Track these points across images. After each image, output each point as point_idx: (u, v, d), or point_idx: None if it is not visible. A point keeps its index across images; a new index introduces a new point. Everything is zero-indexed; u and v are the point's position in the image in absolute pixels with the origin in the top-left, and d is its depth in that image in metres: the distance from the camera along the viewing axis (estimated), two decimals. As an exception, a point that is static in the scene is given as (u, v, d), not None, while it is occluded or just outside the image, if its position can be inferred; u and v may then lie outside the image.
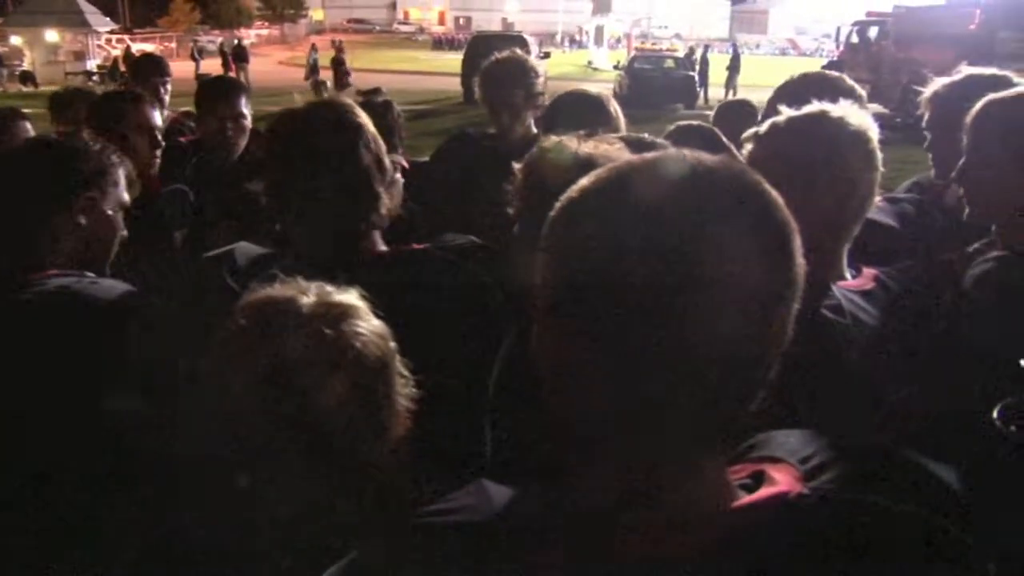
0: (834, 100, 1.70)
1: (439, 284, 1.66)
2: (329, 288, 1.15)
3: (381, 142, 1.77)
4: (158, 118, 3.05)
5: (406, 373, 1.15)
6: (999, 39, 19.35)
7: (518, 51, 3.41)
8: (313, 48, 31.33)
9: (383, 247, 1.79)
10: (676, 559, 0.77)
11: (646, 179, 0.79)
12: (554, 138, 1.70)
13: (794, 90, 2.22)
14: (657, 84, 24.14)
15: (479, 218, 2.24)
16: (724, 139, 2.89)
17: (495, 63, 3.33)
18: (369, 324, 1.13)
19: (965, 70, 2.50)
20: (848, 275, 1.69)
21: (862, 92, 2.41)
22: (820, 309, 1.54)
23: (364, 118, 1.74)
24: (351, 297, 1.15)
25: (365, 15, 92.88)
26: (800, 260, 0.80)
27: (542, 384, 0.84)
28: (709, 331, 0.74)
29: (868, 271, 1.72)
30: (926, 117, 2.52)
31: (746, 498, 0.82)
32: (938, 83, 2.49)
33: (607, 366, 0.77)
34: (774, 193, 0.81)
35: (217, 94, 3.39)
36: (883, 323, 1.60)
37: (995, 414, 1.30)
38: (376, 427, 1.10)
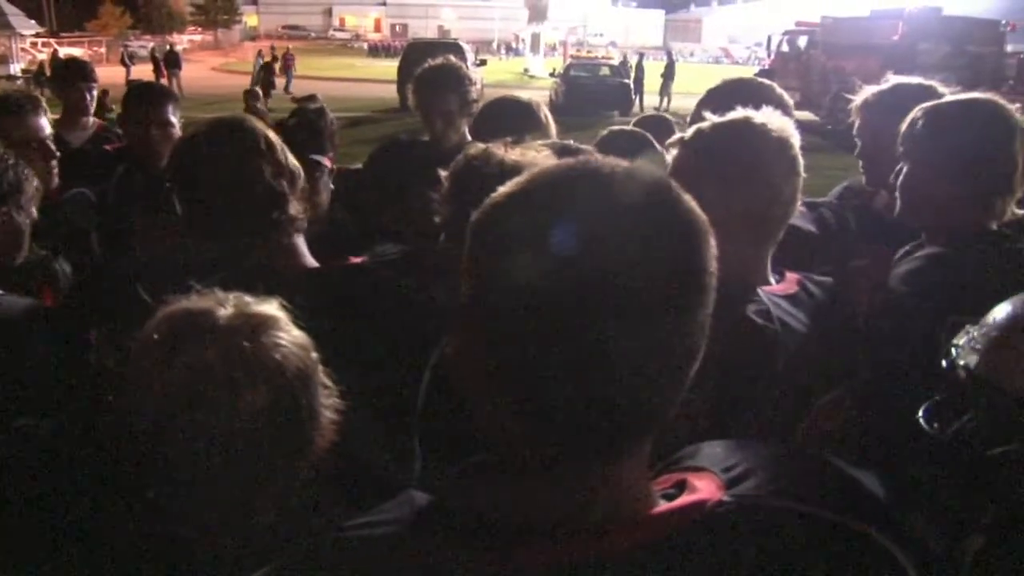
0: (758, 107, 1.73)
1: (373, 301, 1.65)
2: (248, 299, 1.13)
3: (283, 153, 1.75)
4: (46, 127, 2.94)
5: (329, 384, 1.14)
6: (920, 50, 20.00)
7: (452, 58, 3.40)
8: (260, 54, 30.89)
9: (312, 262, 1.76)
10: (591, 565, 0.76)
11: (557, 186, 0.79)
12: (480, 145, 1.69)
13: (720, 97, 2.25)
14: (593, 91, 24.34)
15: (410, 226, 2.23)
16: (655, 143, 2.91)
17: (428, 70, 3.32)
18: (290, 335, 1.11)
19: (893, 79, 2.56)
20: (772, 280, 1.71)
21: (789, 100, 2.45)
22: (748, 315, 1.55)
23: (261, 132, 1.74)
24: (271, 308, 1.13)
25: (300, 21, 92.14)
26: (713, 265, 0.79)
27: (460, 392, 0.83)
28: (620, 337, 0.73)
29: (791, 276, 1.74)
30: (856, 125, 2.57)
31: (664, 506, 0.82)
32: (867, 91, 2.55)
33: (517, 373, 0.76)
34: (686, 197, 0.80)
35: (143, 101, 3.31)
36: (809, 327, 1.62)
37: (920, 413, 1.32)
38: (299, 439, 1.09)
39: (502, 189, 0.81)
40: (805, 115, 22.85)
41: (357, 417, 1.21)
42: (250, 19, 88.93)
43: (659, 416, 0.80)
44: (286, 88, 28.32)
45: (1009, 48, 23.27)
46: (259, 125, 1.76)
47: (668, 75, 28.54)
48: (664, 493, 0.85)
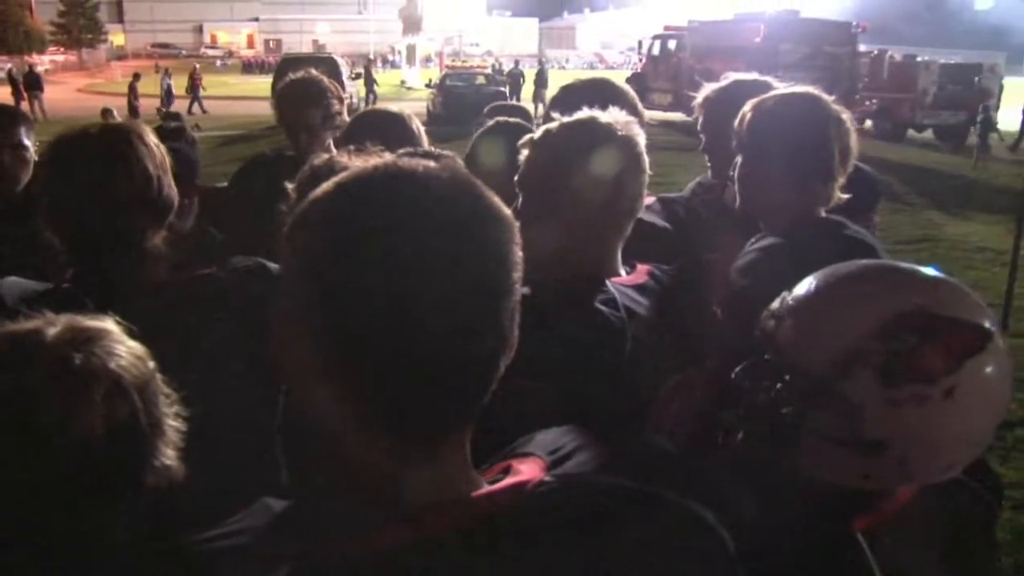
0: (605, 107, 1.79)
1: (220, 309, 1.64)
2: (80, 316, 1.12)
3: (157, 170, 1.73)
4: None
5: (170, 392, 1.13)
6: (781, 51, 20.88)
7: (313, 71, 3.39)
8: (166, 73, 29.76)
9: (163, 275, 1.74)
10: (411, 549, 0.79)
11: (364, 186, 0.82)
12: (324, 155, 1.71)
13: (570, 97, 2.31)
14: (469, 100, 24.40)
15: (272, 240, 2.21)
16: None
17: (290, 84, 3.30)
18: (124, 346, 1.11)
19: (731, 76, 2.68)
20: (623, 272, 1.77)
21: (635, 99, 2.54)
22: (595, 305, 1.61)
23: (136, 146, 1.71)
24: (103, 323, 1.12)
25: (170, 39, 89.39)
26: (518, 256, 0.84)
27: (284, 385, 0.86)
28: (434, 328, 0.77)
29: (642, 267, 1.82)
30: (700, 121, 2.69)
31: (485, 488, 0.85)
32: (708, 88, 2.66)
33: (335, 366, 0.79)
34: (488, 192, 0.85)
35: (-8, 124, 3.18)
36: (656, 314, 1.70)
37: (733, 375, 1.39)
38: (142, 449, 1.08)
39: (314, 193, 0.84)
40: (677, 116, 23.58)
41: (211, 426, 1.21)
42: (116, 38, 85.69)
43: (477, 402, 0.84)
44: (189, 110, 27.68)
45: (862, 48, 24.53)
46: (139, 143, 1.73)
47: (540, 82, 29.00)
48: (493, 480, 0.89)
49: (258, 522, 0.92)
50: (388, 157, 0.87)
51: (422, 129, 2.82)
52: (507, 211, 0.85)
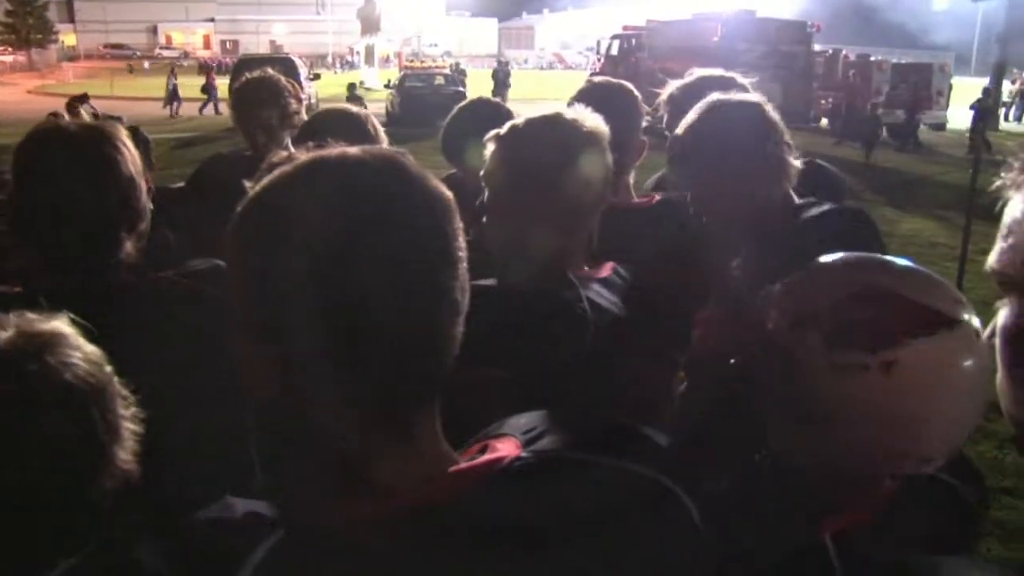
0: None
1: (178, 311, 1.62)
2: (33, 318, 1.10)
3: (138, 176, 1.70)
4: None
5: (127, 394, 1.12)
6: (739, 50, 21.12)
7: (270, 71, 3.36)
8: (172, 72, 29.36)
9: (125, 277, 1.72)
10: (390, 522, 0.80)
11: (293, 176, 0.84)
12: (283, 152, 1.69)
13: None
14: (428, 101, 24.43)
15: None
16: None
17: (246, 84, 3.28)
18: (80, 351, 1.09)
19: (696, 72, 2.70)
20: (587, 267, 1.78)
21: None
22: (559, 297, 1.63)
23: (122, 151, 1.68)
24: (58, 325, 1.10)
25: (123, 40, 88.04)
26: (460, 239, 0.86)
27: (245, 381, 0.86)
28: (382, 317, 0.79)
29: (607, 263, 1.83)
30: (665, 119, 2.70)
31: (463, 464, 0.87)
32: (672, 85, 2.68)
33: (280, 354, 0.81)
34: (423, 176, 0.86)
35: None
36: (620, 307, 1.72)
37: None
38: (98, 454, 1.06)
39: (254, 189, 0.85)
40: (636, 116, 23.73)
41: (179, 428, 1.20)
42: (67, 38, 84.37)
43: (435, 381, 0.86)
44: (201, 110, 27.55)
45: (817, 47, 24.94)
46: (122, 146, 1.69)
47: (499, 82, 29.31)
48: (468, 459, 0.90)
49: (232, 513, 0.91)
50: (326, 149, 0.87)
51: (380, 128, 2.81)
52: (447, 193, 0.87)
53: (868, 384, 1.21)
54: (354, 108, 2.92)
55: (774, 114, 2.05)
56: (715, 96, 2.09)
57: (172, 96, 27.97)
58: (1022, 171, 0.74)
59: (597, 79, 2.87)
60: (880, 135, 20.35)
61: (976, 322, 1.23)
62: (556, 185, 1.68)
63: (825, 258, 1.41)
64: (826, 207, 2.09)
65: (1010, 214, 0.76)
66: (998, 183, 0.78)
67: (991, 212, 0.83)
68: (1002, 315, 0.77)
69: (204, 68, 29.50)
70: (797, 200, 2.10)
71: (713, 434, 1.48)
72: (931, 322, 1.22)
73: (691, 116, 2.07)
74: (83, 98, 5.99)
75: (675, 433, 1.36)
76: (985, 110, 21.58)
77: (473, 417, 1.06)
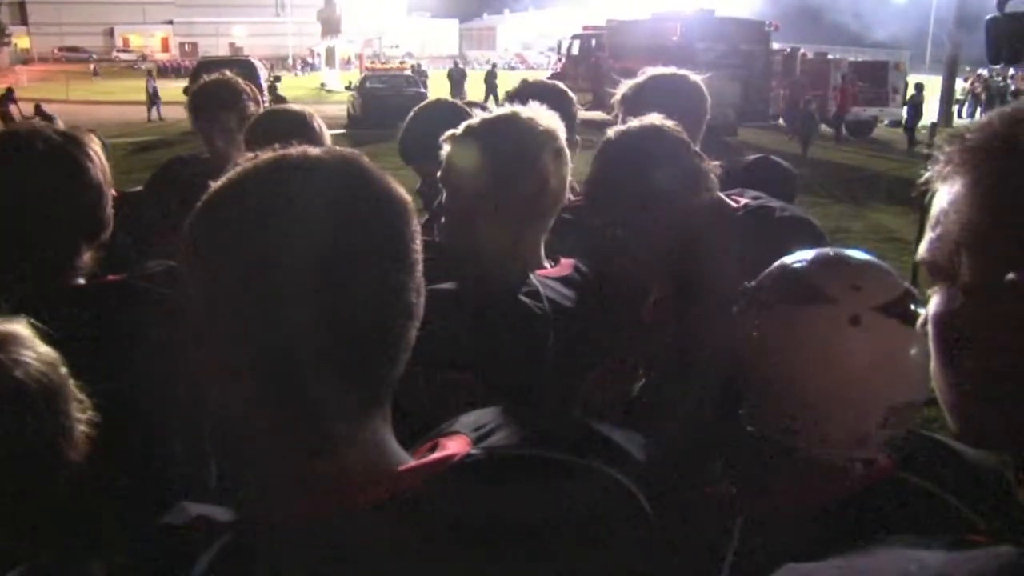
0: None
1: (134, 314, 1.62)
2: None
3: (104, 185, 1.70)
4: None
5: (82, 397, 1.12)
6: (698, 49, 21.25)
7: (228, 73, 3.35)
8: (150, 75, 28.98)
9: (80, 280, 1.72)
10: (341, 520, 0.81)
11: (268, 176, 0.85)
12: (249, 155, 1.70)
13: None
14: (390, 102, 24.25)
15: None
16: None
17: (204, 87, 3.27)
18: (34, 352, 1.09)
19: (648, 71, 2.72)
20: (547, 265, 1.80)
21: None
22: (518, 296, 1.65)
23: (93, 158, 1.67)
24: (13, 326, 1.10)
25: (79, 43, 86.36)
26: (415, 240, 0.87)
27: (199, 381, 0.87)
28: (336, 314, 0.80)
29: (566, 261, 1.85)
30: (619, 119, 2.72)
31: (412, 462, 0.88)
32: (625, 85, 2.69)
33: (257, 356, 0.82)
34: (378, 177, 0.87)
35: None
36: (579, 305, 1.73)
37: None
38: (49, 456, 1.07)
39: (212, 188, 0.86)
40: (598, 114, 23.83)
41: (137, 430, 1.20)
42: (20, 40, 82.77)
43: (387, 382, 0.87)
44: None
45: (775, 46, 25.18)
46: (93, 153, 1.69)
47: (459, 82, 29.62)
48: (419, 457, 0.91)
49: (184, 518, 0.92)
50: (282, 151, 0.88)
51: (324, 127, 2.82)
52: (402, 193, 0.88)
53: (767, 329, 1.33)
54: (298, 107, 2.92)
55: (675, 131, 1.97)
56: (610, 133, 2.00)
57: (152, 99, 27.54)
58: (947, 163, 0.77)
59: (530, 79, 2.89)
60: (817, 130, 20.58)
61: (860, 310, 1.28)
62: (513, 184, 1.69)
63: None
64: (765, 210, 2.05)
65: (938, 205, 0.79)
66: (926, 176, 0.81)
67: None
68: (932, 303, 0.80)
69: (151, 73, 28.98)
70: (733, 204, 2.06)
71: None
72: (808, 295, 1.31)
73: (595, 164, 1.97)
74: (9, 95, 5.88)
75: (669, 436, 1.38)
76: (916, 106, 22.98)
77: (434, 420, 1.06)
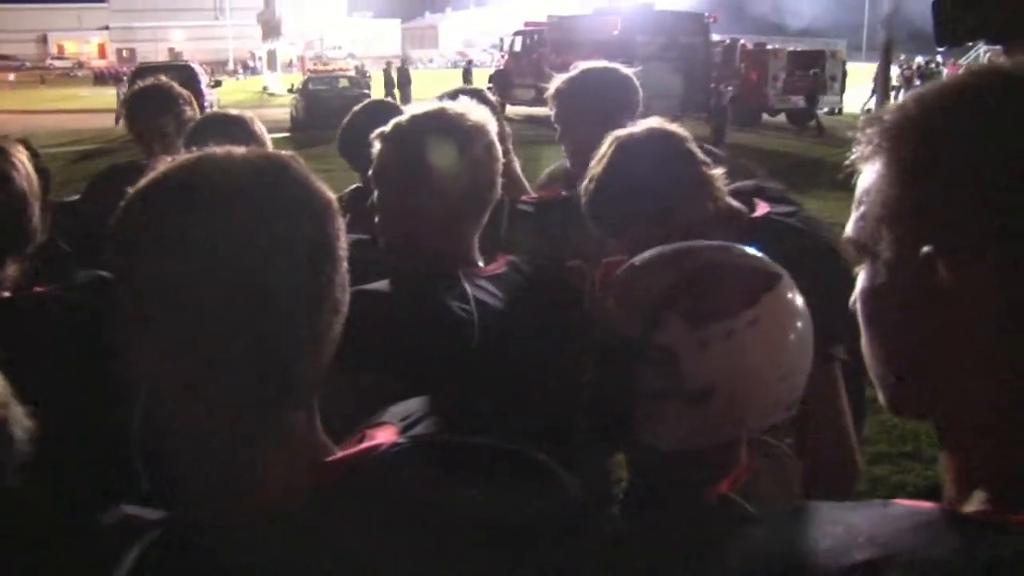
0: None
1: (54, 326, 1.61)
2: None
3: (30, 196, 1.68)
4: None
5: (21, 408, 1.12)
6: (639, 42, 21.46)
7: (163, 78, 3.33)
8: (122, 83, 28.01)
9: (3, 293, 1.70)
10: (268, 514, 0.82)
11: (192, 175, 0.86)
12: (168, 159, 1.69)
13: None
14: (334, 104, 23.99)
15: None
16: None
17: (139, 92, 3.25)
18: None
19: (581, 65, 2.76)
20: (480, 262, 1.79)
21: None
22: (442, 297, 1.64)
23: (19, 168, 1.64)
24: None
25: (9, 50, 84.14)
26: (340, 237, 0.89)
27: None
28: (263, 311, 0.82)
29: (502, 258, 1.84)
30: (553, 113, 2.75)
31: (339, 453, 0.90)
32: (558, 79, 2.71)
33: (186, 355, 0.83)
34: (303, 175, 0.89)
35: None
36: (511, 305, 1.72)
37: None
38: None
39: (135, 187, 0.87)
40: (541, 110, 23.90)
41: (63, 441, 1.19)
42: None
43: (314, 379, 0.88)
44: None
45: (715, 37, 25.51)
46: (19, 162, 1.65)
47: (404, 82, 29.49)
48: (347, 449, 0.93)
49: (112, 519, 0.93)
50: (204, 150, 0.89)
51: (264, 131, 2.82)
52: (324, 191, 0.89)
53: (738, 344, 1.30)
54: (237, 112, 2.92)
55: (680, 133, 1.94)
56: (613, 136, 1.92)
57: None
58: (867, 144, 0.81)
59: (456, 87, 2.90)
60: (728, 117, 20.42)
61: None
62: (443, 180, 1.68)
63: (641, 257, 1.45)
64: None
65: (861, 185, 0.83)
66: (850, 158, 0.85)
67: None
68: (860, 280, 0.83)
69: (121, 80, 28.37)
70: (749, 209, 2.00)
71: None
72: (769, 278, 1.37)
73: (595, 167, 1.91)
74: None
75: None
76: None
77: (356, 421, 1.07)
